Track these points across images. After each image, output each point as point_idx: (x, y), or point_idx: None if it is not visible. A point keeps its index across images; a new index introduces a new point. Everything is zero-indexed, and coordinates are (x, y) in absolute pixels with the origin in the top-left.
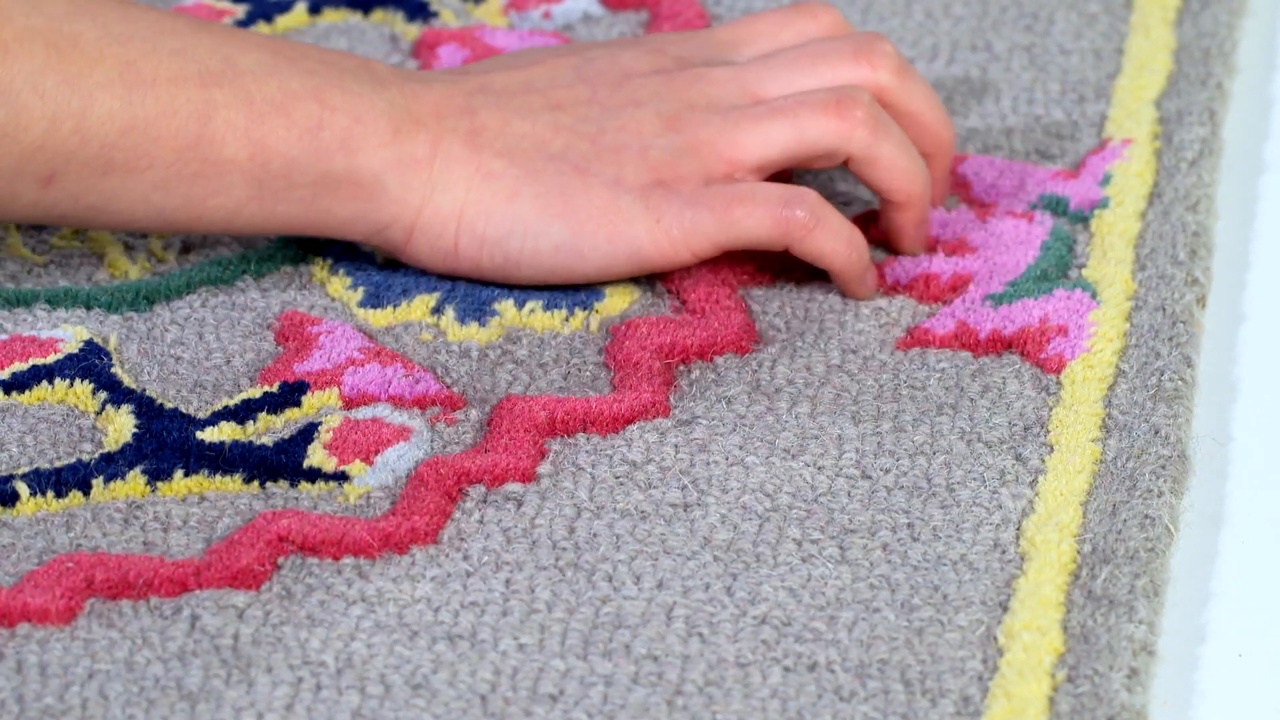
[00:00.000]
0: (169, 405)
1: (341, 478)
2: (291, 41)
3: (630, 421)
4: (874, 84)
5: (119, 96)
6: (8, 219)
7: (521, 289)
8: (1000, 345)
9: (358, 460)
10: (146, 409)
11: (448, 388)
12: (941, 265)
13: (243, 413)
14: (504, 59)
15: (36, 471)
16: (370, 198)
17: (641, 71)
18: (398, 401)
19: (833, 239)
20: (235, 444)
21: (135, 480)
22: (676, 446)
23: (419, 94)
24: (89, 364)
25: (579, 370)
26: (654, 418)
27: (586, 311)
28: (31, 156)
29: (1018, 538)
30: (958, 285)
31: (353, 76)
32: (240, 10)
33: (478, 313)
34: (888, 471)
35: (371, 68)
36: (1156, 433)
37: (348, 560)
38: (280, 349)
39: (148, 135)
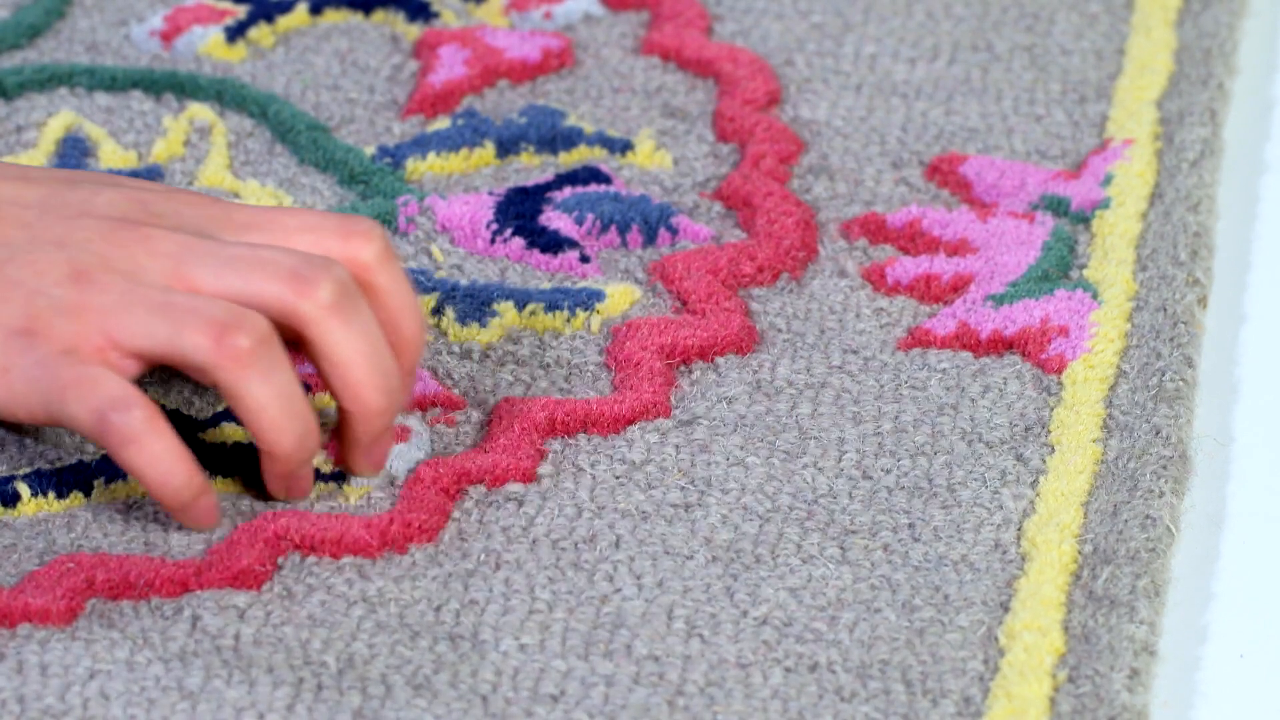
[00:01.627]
0: (171, 406)
1: (341, 478)
2: None
3: (631, 422)
4: (305, 308)
5: None
6: None
7: (523, 290)
8: (1001, 346)
9: None
10: None
11: (447, 388)
12: (942, 265)
13: None
14: (5, 165)
15: (38, 472)
16: None
17: (103, 214)
18: None
19: (149, 460)
20: (237, 445)
21: (136, 481)
22: (677, 447)
23: None
24: None
25: (580, 371)
26: (655, 418)
27: (588, 312)
28: None
29: (1019, 538)
30: (959, 286)
31: None
32: (241, 10)
33: (478, 313)
34: (889, 472)
35: None
36: (1158, 433)
37: (348, 560)
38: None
39: None
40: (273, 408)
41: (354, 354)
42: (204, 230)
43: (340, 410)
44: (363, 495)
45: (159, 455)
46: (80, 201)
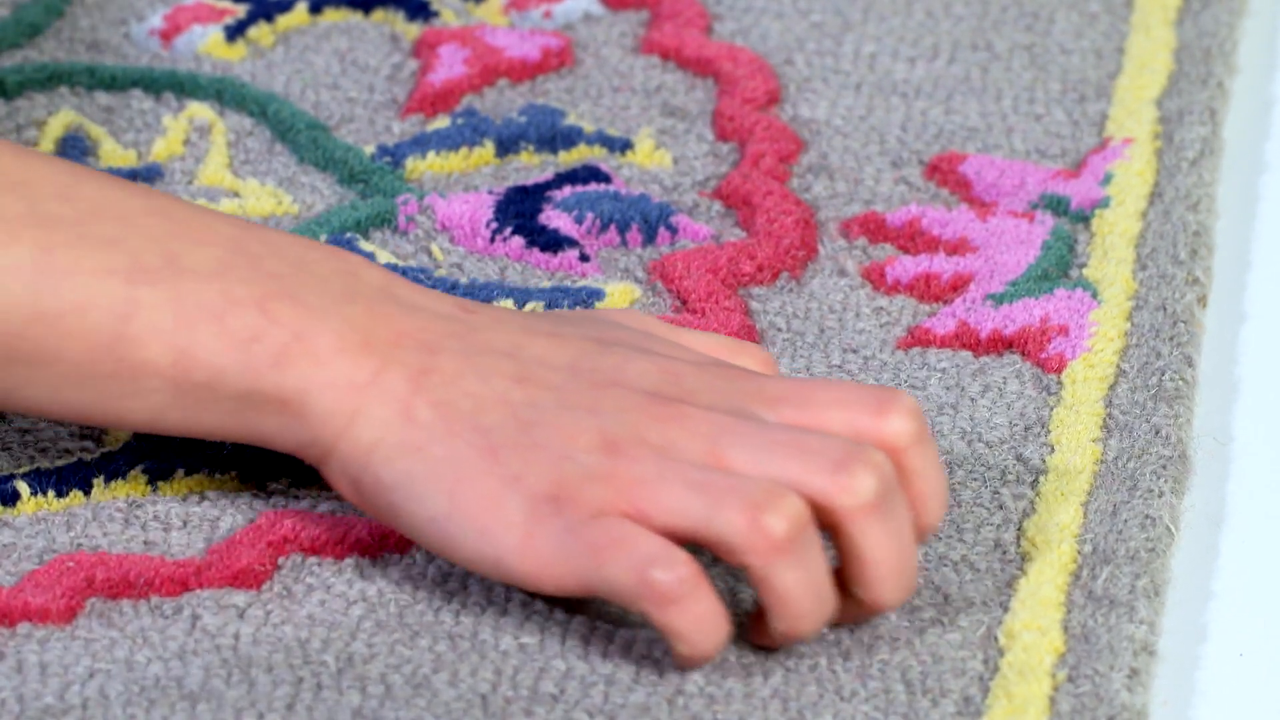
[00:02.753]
0: None
1: None
2: (273, 234)
3: None
4: (850, 502)
5: (26, 284)
6: None
7: (523, 289)
8: (1001, 345)
9: None
10: None
11: None
12: (942, 265)
13: None
14: (538, 316)
15: (37, 470)
16: (295, 415)
17: (636, 385)
18: None
19: (692, 621)
20: (236, 443)
21: (136, 479)
22: None
23: (390, 317)
24: None
25: None
26: None
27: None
28: None
29: (1018, 538)
30: (958, 285)
31: (318, 285)
32: (241, 10)
33: None
34: None
35: (356, 277)
36: (1157, 433)
37: (349, 560)
38: None
39: (56, 329)
40: (800, 597)
41: (885, 554)
42: (736, 407)
43: (849, 595)
44: None
45: (701, 617)
46: (612, 368)
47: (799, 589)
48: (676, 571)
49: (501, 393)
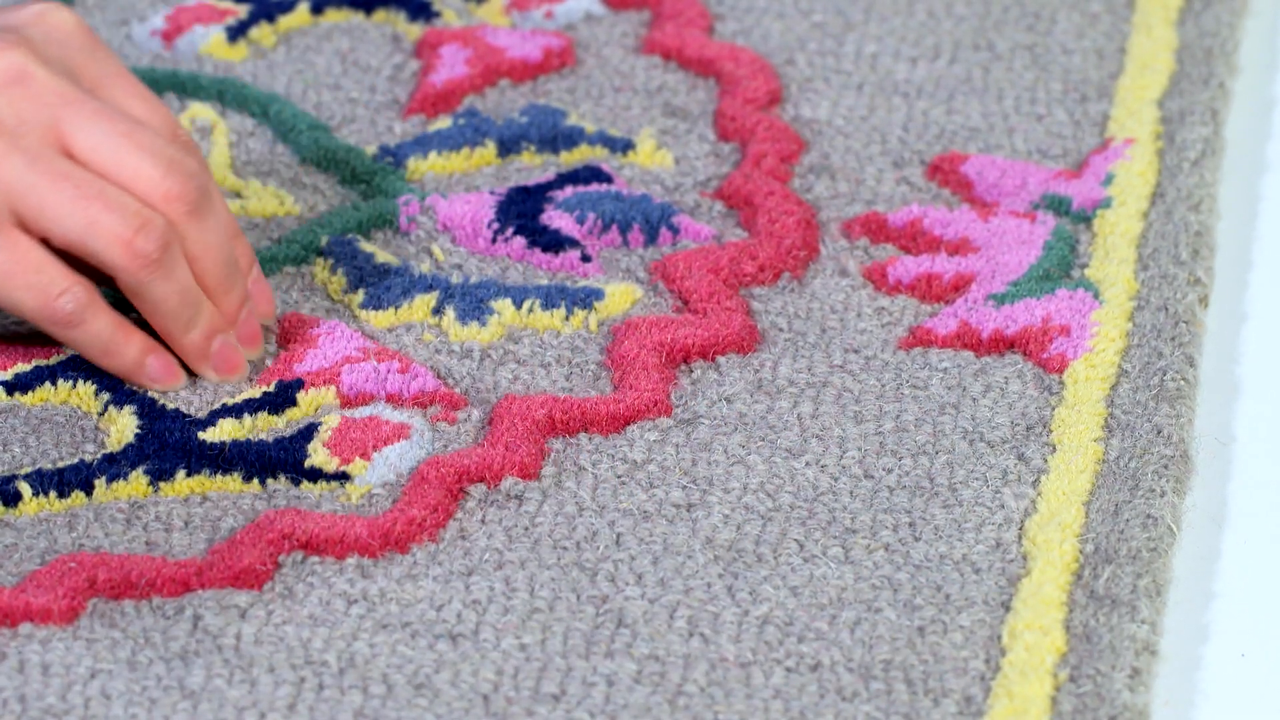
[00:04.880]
0: (171, 406)
1: (343, 478)
2: None
3: (632, 421)
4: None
5: None
6: None
7: (520, 287)
8: (1002, 345)
9: (358, 458)
10: (148, 409)
11: (447, 386)
12: (944, 265)
13: (244, 412)
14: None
15: (39, 472)
16: None
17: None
18: (396, 400)
19: (94, 339)
20: (236, 443)
21: (137, 480)
22: (678, 446)
23: None
24: (92, 365)
25: (580, 370)
26: (656, 417)
27: (587, 311)
28: None
29: (1020, 537)
30: (960, 285)
31: None
32: (243, 10)
33: (477, 312)
34: (890, 471)
35: None
36: (1159, 432)
37: (350, 559)
38: (282, 350)
39: None
40: (176, 305)
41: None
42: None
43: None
44: (364, 494)
45: (100, 334)
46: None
47: (174, 299)
48: (77, 298)
49: None
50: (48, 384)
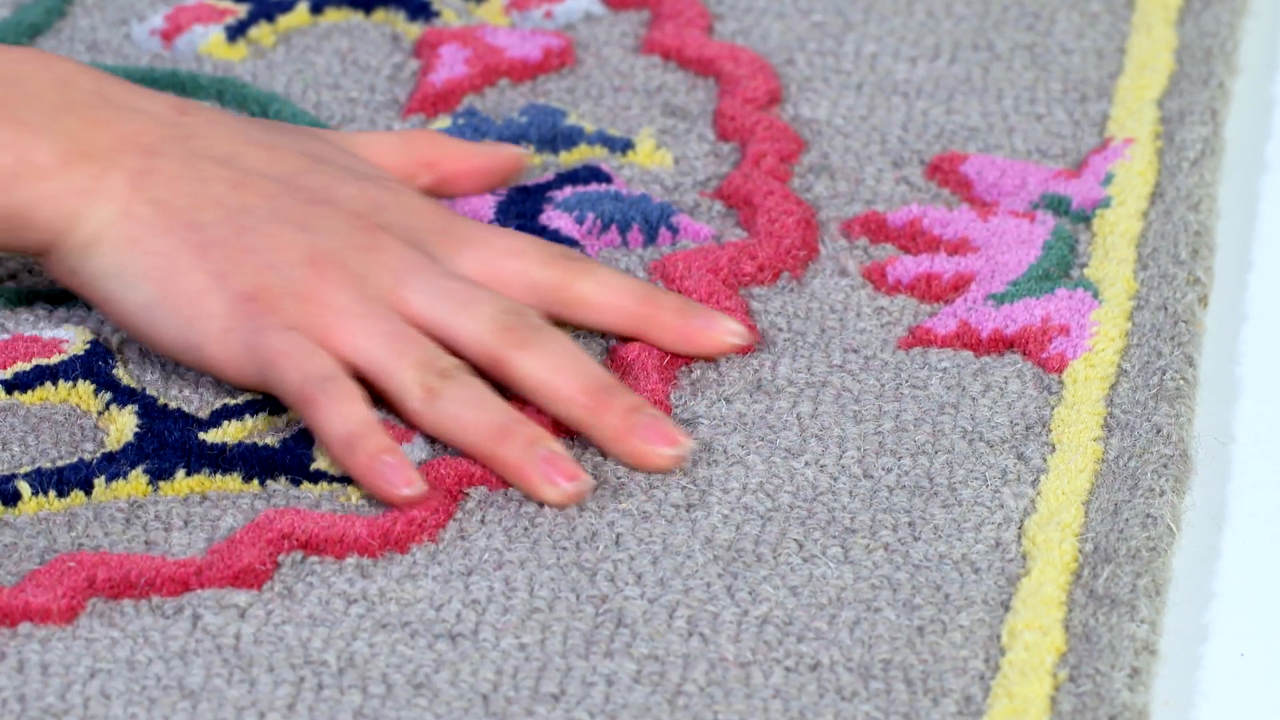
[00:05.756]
0: (171, 405)
1: (347, 480)
2: None
3: None
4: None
5: None
6: None
7: None
8: (1002, 345)
9: None
10: (149, 409)
11: None
12: (943, 265)
13: (245, 413)
14: (252, 124)
15: (38, 471)
16: (24, 226)
17: (344, 208)
18: None
19: (338, 420)
20: (239, 445)
21: (137, 480)
22: None
23: (108, 123)
24: (92, 365)
25: None
26: None
27: None
28: None
29: (1019, 537)
30: (959, 285)
31: (34, 101)
32: (242, 10)
33: None
34: (889, 471)
35: (70, 84)
36: (1158, 432)
37: (349, 559)
38: None
39: None
40: (464, 414)
41: (540, 377)
42: (426, 246)
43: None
44: (364, 495)
45: (345, 415)
46: (323, 188)
47: (460, 408)
48: (335, 383)
49: (218, 196)
50: (48, 383)
